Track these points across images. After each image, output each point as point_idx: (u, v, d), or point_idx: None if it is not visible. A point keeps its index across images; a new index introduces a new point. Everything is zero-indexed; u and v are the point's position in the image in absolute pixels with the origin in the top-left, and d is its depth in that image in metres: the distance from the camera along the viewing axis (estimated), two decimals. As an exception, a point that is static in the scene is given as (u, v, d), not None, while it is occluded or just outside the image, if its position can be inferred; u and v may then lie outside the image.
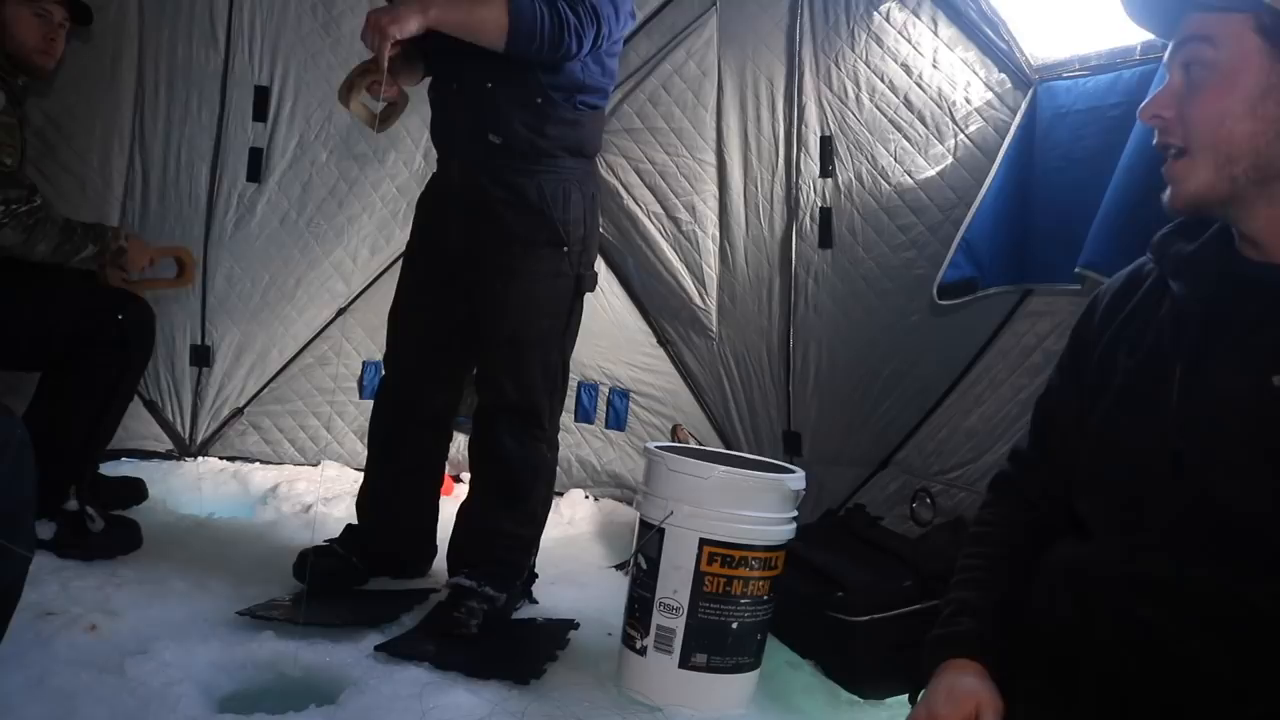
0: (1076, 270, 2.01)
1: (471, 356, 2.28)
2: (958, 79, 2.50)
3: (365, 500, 2.33)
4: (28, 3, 2.23)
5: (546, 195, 2.09)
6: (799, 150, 2.85)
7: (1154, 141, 1.10)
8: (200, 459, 3.23)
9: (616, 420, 3.35)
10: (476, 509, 2.20)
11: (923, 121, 2.57)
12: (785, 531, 1.84)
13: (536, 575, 2.31)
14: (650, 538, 1.81)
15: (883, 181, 2.67)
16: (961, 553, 1.31)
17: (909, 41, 2.58)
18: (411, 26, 1.93)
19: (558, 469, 2.30)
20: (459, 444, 2.66)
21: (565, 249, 2.10)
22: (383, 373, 2.37)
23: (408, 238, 2.37)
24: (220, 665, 1.73)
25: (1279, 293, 1.03)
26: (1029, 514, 1.26)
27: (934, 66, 2.54)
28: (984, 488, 1.37)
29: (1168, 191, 1.08)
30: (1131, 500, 1.07)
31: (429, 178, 2.33)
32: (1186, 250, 1.11)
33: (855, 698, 1.95)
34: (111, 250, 2.39)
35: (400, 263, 3.26)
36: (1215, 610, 0.97)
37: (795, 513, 1.87)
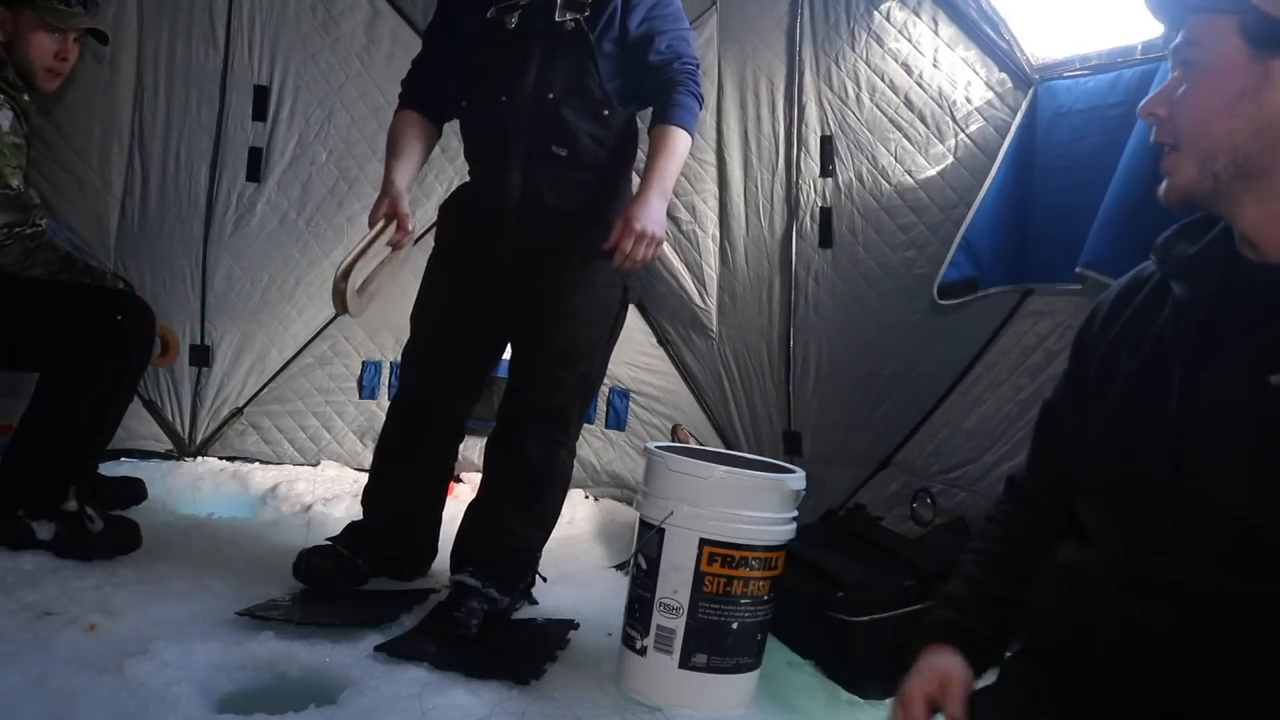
0: (1077, 270, 2.01)
1: (496, 362, 2.28)
2: (958, 78, 2.49)
3: (377, 502, 2.30)
4: (47, 28, 2.22)
5: (605, 206, 2.09)
6: (799, 150, 2.84)
7: (1151, 138, 1.14)
8: (200, 459, 3.23)
9: (616, 420, 3.35)
10: (488, 507, 2.18)
11: (923, 121, 2.57)
12: (785, 531, 1.84)
13: (543, 578, 2.30)
14: (650, 538, 1.80)
15: (883, 181, 2.66)
16: (965, 548, 1.33)
17: (909, 41, 2.58)
18: (664, 216, 2.06)
19: (559, 470, 2.30)
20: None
21: None
22: (398, 376, 2.36)
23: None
24: (220, 665, 1.72)
25: (1274, 292, 1.03)
26: (1035, 516, 1.28)
27: (934, 66, 2.54)
28: (984, 488, 1.37)
29: (1163, 184, 1.13)
30: (1131, 503, 1.07)
31: (455, 189, 2.29)
32: (1189, 252, 1.12)
33: (855, 698, 1.95)
34: None
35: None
36: (1214, 613, 0.97)
37: (795, 513, 1.87)
